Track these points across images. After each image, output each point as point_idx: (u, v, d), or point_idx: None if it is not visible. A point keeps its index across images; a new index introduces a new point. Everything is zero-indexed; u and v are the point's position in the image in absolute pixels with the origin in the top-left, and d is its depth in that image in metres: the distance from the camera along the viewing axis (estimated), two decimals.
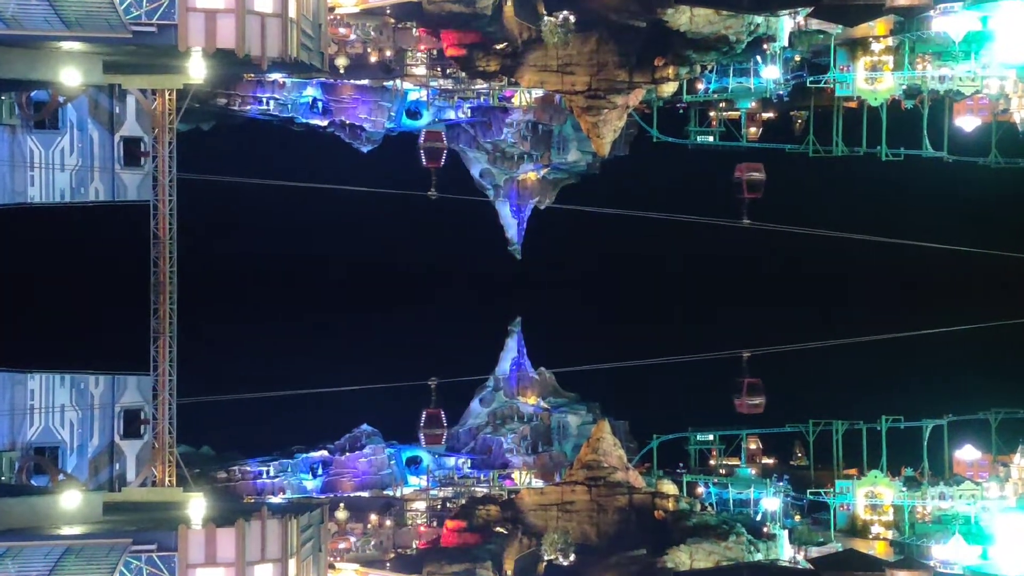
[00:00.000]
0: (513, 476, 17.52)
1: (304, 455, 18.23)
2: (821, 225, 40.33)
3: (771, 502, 16.22)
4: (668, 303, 46.05)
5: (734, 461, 18.75)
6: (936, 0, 35.76)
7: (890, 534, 14.38)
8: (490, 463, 18.19)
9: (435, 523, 14.84)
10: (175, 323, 30.32)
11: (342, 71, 36.95)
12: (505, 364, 30.74)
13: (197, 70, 29.26)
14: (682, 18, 35.08)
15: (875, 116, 39.97)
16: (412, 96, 39.35)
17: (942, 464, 18.31)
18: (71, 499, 15.78)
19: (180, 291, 30.70)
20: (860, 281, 45.69)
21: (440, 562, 12.88)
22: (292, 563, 12.65)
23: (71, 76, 29.06)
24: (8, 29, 26.68)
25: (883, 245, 40.39)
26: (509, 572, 12.83)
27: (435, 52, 37.88)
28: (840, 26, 38.23)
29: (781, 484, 17.03)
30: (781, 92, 40.13)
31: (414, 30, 37.50)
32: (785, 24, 38.18)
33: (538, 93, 39.84)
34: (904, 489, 16.66)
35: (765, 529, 14.73)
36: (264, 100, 37.14)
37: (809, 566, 13.16)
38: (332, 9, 34.76)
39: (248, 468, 17.25)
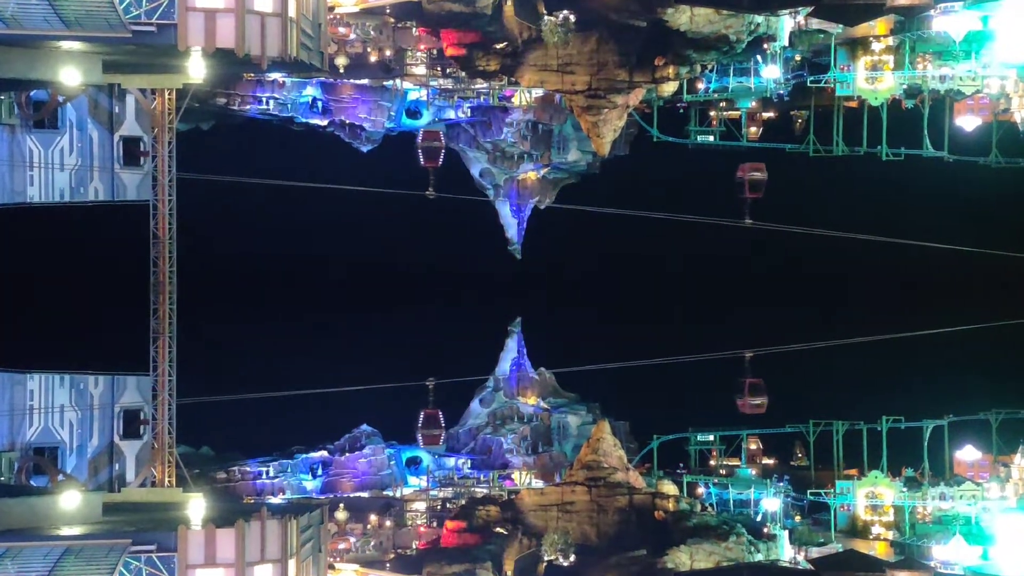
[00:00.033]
0: (513, 476, 17.51)
1: (304, 455, 18.21)
2: (821, 225, 40.30)
3: (771, 502, 16.20)
4: (668, 303, 46.02)
5: (734, 461, 18.73)
6: (936, 0, 35.75)
7: (891, 535, 14.37)
8: (490, 463, 18.17)
9: (435, 524, 14.82)
10: (175, 323, 30.30)
11: (342, 71, 36.93)
12: (505, 364, 30.71)
13: (197, 70, 29.24)
14: (682, 17, 35.06)
15: (876, 116, 39.94)
16: (412, 96, 39.34)
17: (943, 464, 18.29)
18: (70, 499, 15.76)
19: (180, 291, 30.68)
20: (860, 281, 45.66)
21: (440, 563, 12.86)
22: (292, 564, 12.64)
23: (70, 76, 29.04)
24: (7, 28, 26.66)
25: (883, 245, 40.36)
26: (509, 573, 12.81)
27: (435, 52, 37.86)
28: (840, 25, 38.20)
29: (781, 484, 17.02)
30: (781, 92, 40.10)
31: (414, 29, 37.48)
32: (785, 24, 38.16)
33: (538, 93, 39.83)
34: (905, 490, 16.64)
35: (765, 530, 14.71)
36: (264, 100, 37.13)
37: (809, 567, 13.15)
38: (332, 8, 34.74)
39: (248, 468, 17.23)
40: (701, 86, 40.33)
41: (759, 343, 34.19)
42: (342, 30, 36.87)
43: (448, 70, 38.56)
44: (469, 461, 18.31)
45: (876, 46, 38.74)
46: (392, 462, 18.27)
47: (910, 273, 43.52)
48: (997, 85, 38.87)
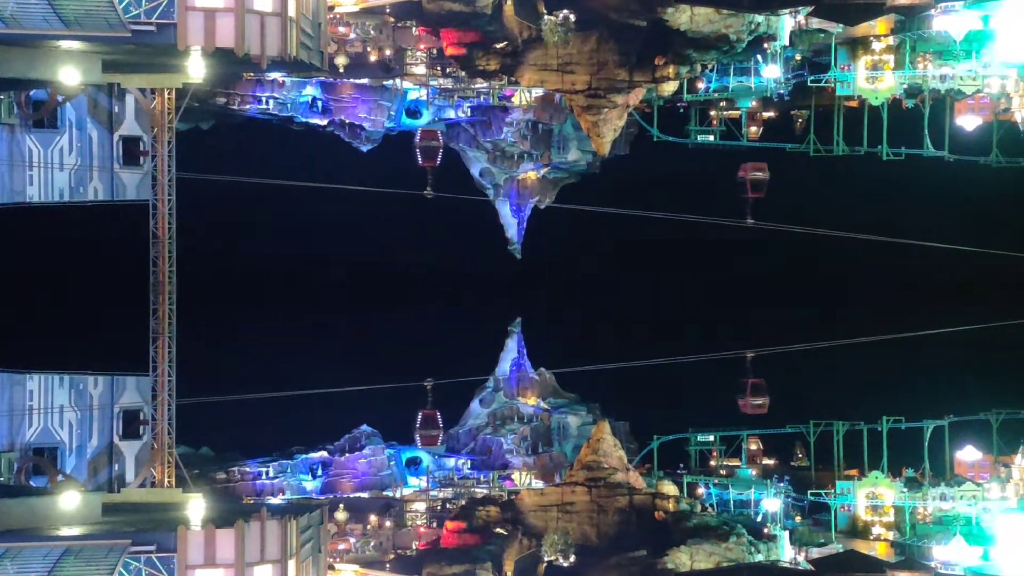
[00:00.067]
0: (513, 477, 17.49)
1: (304, 456, 18.19)
2: (822, 225, 40.27)
3: (772, 503, 16.18)
4: (668, 303, 45.99)
5: (735, 462, 18.71)
6: (937, 0, 35.73)
7: (891, 535, 14.35)
8: (490, 464, 18.15)
9: (435, 524, 14.81)
10: (174, 323, 30.27)
11: (342, 70, 36.91)
12: (505, 365, 30.70)
13: (196, 69, 29.22)
14: (682, 17, 35.03)
15: (876, 115, 39.92)
16: (412, 95, 39.31)
17: (943, 465, 18.27)
18: (70, 500, 15.75)
19: (179, 291, 30.66)
20: (861, 281, 45.64)
21: (440, 563, 12.84)
22: (291, 564, 12.62)
23: (70, 75, 29.02)
24: (7, 28, 26.64)
25: (884, 245, 40.33)
26: (509, 573, 12.80)
27: (435, 51, 37.84)
28: (841, 25, 38.18)
29: (782, 485, 17.00)
30: (782, 91, 40.08)
31: (414, 29, 37.46)
32: (786, 23, 38.13)
33: (538, 92, 39.80)
34: (905, 490, 16.63)
35: (766, 530, 14.70)
36: (263, 99, 37.11)
37: (810, 567, 13.13)
38: (332, 8, 34.72)
39: (247, 469, 17.21)
40: (701, 86, 40.30)
41: (759, 343, 34.17)
42: (342, 29, 36.85)
43: (448, 70, 38.54)
44: (469, 461, 18.29)
45: (876, 46, 38.72)
46: (392, 462, 18.25)
47: (911, 273, 43.50)
48: (998, 85, 38.84)
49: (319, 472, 17.34)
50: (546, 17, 35.87)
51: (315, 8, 30.12)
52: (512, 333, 38.47)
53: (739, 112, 41.44)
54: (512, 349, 34.52)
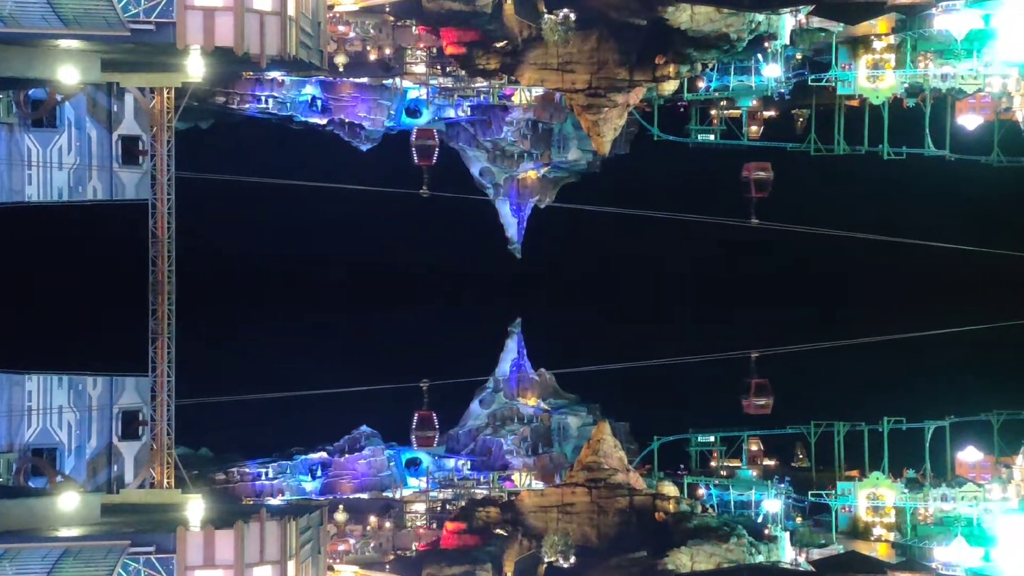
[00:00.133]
0: (513, 478, 17.45)
1: (303, 456, 18.15)
2: (822, 224, 40.21)
3: (772, 504, 16.15)
4: (669, 303, 45.95)
5: (735, 463, 18.67)
6: None
7: (892, 536, 14.31)
8: (490, 465, 18.11)
9: (435, 525, 14.77)
10: (174, 323, 30.23)
11: (341, 69, 36.86)
12: (505, 365, 30.66)
13: (195, 68, 29.17)
14: (683, 16, 34.97)
15: (877, 114, 39.87)
16: (412, 94, 39.25)
17: (944, 466, 18.23)
18: (69, 501, 15.71)
19: (179, 291, 30.61)
20: (861, 281, 45.60)
21: (440, 564, 12.81)
22: (291, 565, 12.59)
23: (69, 74, 28.97)
24: (6, 27, 26.59)
25: (885, 244, 40.28)
26: (509, 574, 12.75)
27: (435, 50, 37.78)
28: (842, 24, 38.12)
29: (782, 486, 16.96)
30: (782, 90, 40.01)
31: (413, 28, 37.41)
32: (786, 22, 38.06)
33: (538, 91, 39.74)
34: (906, 491, 16.59)
35: (766, 531, 14.66)
36: (263, 98, 37.05)
37: (811, 568, 13.09)
38: (331, 7, 34.66)
39: (247, 470, 17.18)
40: (702, 85, 40.23)
41: (759, 343, 34.12)
42: (341, 28, 36.80)
43: (448, 69, 38.48)
44: (469, 462, 18.25)
45: (877, 44, 38.65)
46: (392, 463, 18.21)
47: (911, 273, 43.44)
48: (999, 84, 38.77)
49: (319, 473, 17.30)
50: (546, 16, 35.82)
51: (314, 7, 30.08)
52: (512, 333, 38.43)
53: (740, 111, 41.37)
54: (512, 349, 34.48)
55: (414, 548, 13.72)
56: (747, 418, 22.68)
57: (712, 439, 20.51)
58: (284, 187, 38.12)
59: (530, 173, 41.75)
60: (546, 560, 13.14)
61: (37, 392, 25.29)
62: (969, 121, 40.75)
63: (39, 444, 19.17)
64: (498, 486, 16.91)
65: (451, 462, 18.27)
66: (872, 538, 14.26)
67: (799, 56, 39.63)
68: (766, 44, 38.61)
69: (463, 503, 15.89)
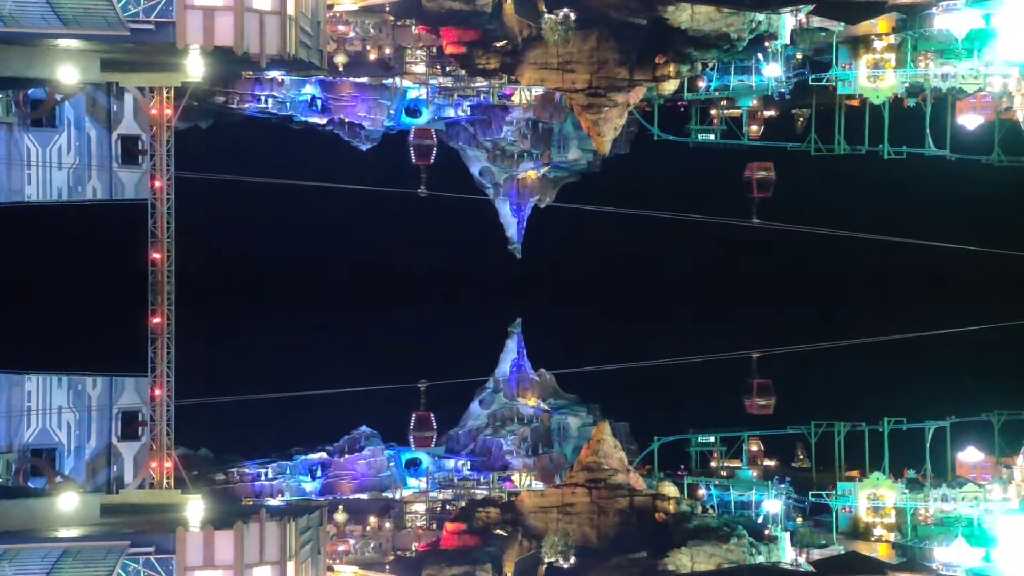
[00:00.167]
0: (513, 478, 17.43)
1: (303, 457, 18.13)
2: (822, 224, 40.18)
3: (773, 504, 16.13)
4: (669, 303, 45.93)
5: (735, 463, 18.65)
6: None
7: (892, 536, 14.30)
8: (490, 465, 18.09)
9: (435, 525, 14.75)
10: (174, 323, 30.20)
11: (341, 69, 36.84)
12: (505, 365, 30.64)
13: (195, 68, 29.15)
14: (683, 15, 34.95)
15: (877, 114, 39.84)
16: (411, 94, 39.23)
17: (945, 466, 18.21)
18: (68, 501, 15.70)
19: (179, 291, 30.58)
20: (861, 281, 45.57)
21: (440, 564, 12.79)
22: (291, 565, 12.57)
23: (68, 74, 28.95)
24: (5, 26, 26.58)
25: (885, 244, 40.25)
26: (509, 575, 12.73)
27: (434, 50, 37.75)
28: (842, 23, 38.09)
29: (783, 486, 16.94)
30: (783, 90, 39.98)
31: (413, 28, 37.38)
32: (787, 21, 38.04)
33: (538, 91, 39.71)
34: (906, 491, 16.57)
35: (767, 532, 14.64)
36: (263, 98, 37.02)
37: (811, 569, 13.07)
38: (331, 6, 34.64)
39: (247, 470, 17.16)
40: (702, 84, 40.21)
41: (759, 344, 34.10)
42: (341, 28, 36.77)
43: (448, 68, 38.45)
44: (469, 463, 18.23)
45: (878, 44, 38.62)
46: (391, 464, 18.19)
47: (911, 273, 43.42)
48: (999, 83, 38.74)
49: (318, 473, 17.28)
50: (546, 15, 35.80)
51: (314, 6, 30.05)
52: (512, 333, 38.40)
53: (740, 111, 41.35)
54: (512, 350, 34.46)
55: (414, 548, 13.70)
56: (747, 418, 22.65)
57: (712, 439, 20.49)
58: (284, 187, 38.09)
59: (530, 173, 41.73)
60: (546, 561, 13.12)
61: (37, 392, 25.27)
62: (970, 121, 40.72)
63: (39, 444, 19.16)
64: (498, 486, 16.89)
65: (451, 462, 18.25)
66: (873, 539, 14.25)
67: (799, 56, 39.60)
68: (766, 44, 38.58)
69: (463, 504, 15.87)
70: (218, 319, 38.43)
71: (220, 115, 38.27)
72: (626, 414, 22.62)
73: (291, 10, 27.89)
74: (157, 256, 30.17)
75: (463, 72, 37.72)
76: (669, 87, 38.80)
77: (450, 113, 39.96)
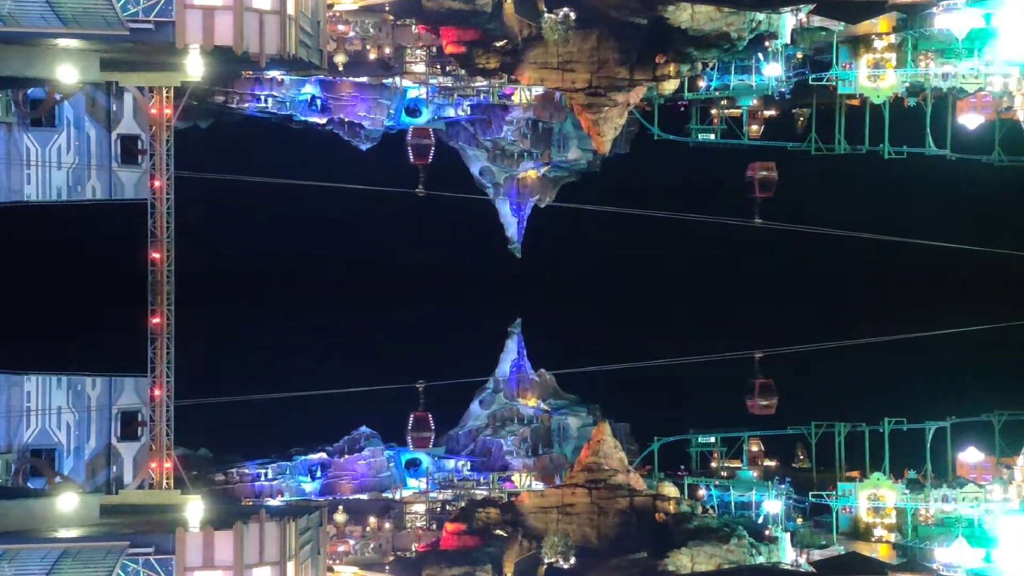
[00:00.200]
0: (513, 479, 17.41)
1: (303, 457, 18.11)
2: (823, 224, 40.17)
3: (773, 505, 16.11)
4: (669, 303, 45.91)
5: (736, 463, 18.63)
6: None
7: (893, 537, 14.28)
8: (490, 465, 18.08)
9: (435, 526, 14.73)
10: (173, 323, 30.18)
11: (341, 68, 36.81)
12: (505, 365, 30.62)
13: (195, 67, 29.13)
14: (683, 15, 34.92)
15: (878, 114, 39.82)
16: (411, 94, 39.21)
17: (945, 466, 18.19)
18: (68, 501, 15.68)
19: (179, 291, 30.56)
20: (861, 281, 45.54)
21: (440, 565, 12.77)
22: (290, 566, 12.56)
23: (68, 73, 28.93)
24: (5, 26, 26.56)
25: (885, 244, 40.23)
26: (509, 575, 12.73)
27: (434, 49, 37.73)
28: (842, 23, 38.07)
29: (783, 486, 16.92)
30: (783, 89, 39.96)
31: (413, 27, 37.36)
32: (787, 21, 38.01)
33: (538, 91, 39.69)
34: (907, 492, 16.55)
35: (767, 532, 14.63)
36: (262, 98, 37.00)
37: (811, 569, 13.06)
38: (331, 6, 34.61)
39: (246, 470, 17.14)
40: (702, 84, 40.18)
41: (759, 344, 34.08)
42: (341, 28, 36.74)
43: (448, 68, 38.43)
44: (469, 463, 18.21)
45: (878, 44, 38.60)
46: (391, 464, 18.17)
47: (912, 273, 43.40)
48: (1000, 83, 38.71)
49: (318, 474, 17.27)
50: (546, 15, 35.77)
51: (314, 6, 30.03)
52: (512, 334, 38.38)
53: (740, 111, 41.32)
54: (512, 350, 34.44)
55: (414, 549, 13.69)
56: (748, 418, 22.63)
57: (712, 440, 20.48)
58: (284, 187, 38.07)
59: (530, 172, 41.71)
60: (546, 561, 13.10)
61: (36, 392, 25.25)
62: (970, 120, 40.70)
63: (38, 445, 19.14)
64: (498, 487, 16.88)
65: (451, 463, 18.23)
66: (873, 539, 14.23)
67: (800, 55, 39.58)
68: (767, 43, 38.55)
69: (463, 504, 15.85)
70: (218, 319, 38.41)
71: (220, 115, 38.25)
72: (626, 414, 22.60)
73: (291, 9, 27.87)
74: (157, 256, 30.15)
75: (463, 72, 37.70)
76: (669, 87, 38.78)
77: (450, 113, 39.94)
